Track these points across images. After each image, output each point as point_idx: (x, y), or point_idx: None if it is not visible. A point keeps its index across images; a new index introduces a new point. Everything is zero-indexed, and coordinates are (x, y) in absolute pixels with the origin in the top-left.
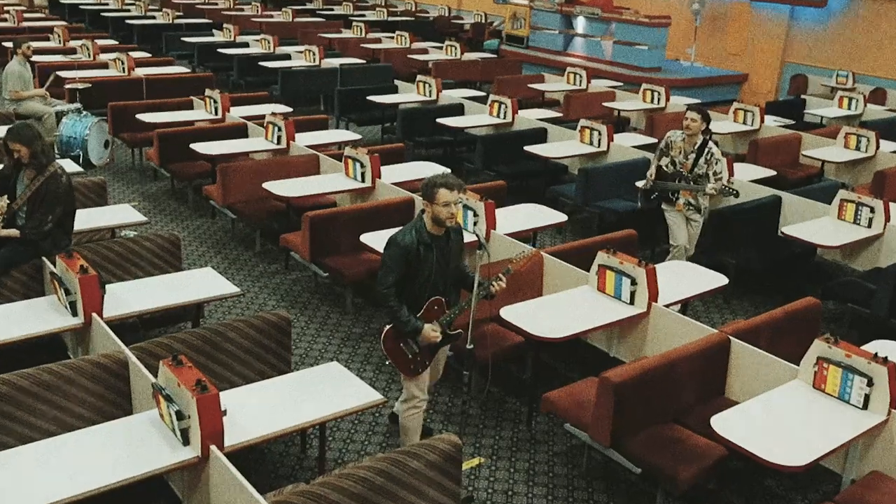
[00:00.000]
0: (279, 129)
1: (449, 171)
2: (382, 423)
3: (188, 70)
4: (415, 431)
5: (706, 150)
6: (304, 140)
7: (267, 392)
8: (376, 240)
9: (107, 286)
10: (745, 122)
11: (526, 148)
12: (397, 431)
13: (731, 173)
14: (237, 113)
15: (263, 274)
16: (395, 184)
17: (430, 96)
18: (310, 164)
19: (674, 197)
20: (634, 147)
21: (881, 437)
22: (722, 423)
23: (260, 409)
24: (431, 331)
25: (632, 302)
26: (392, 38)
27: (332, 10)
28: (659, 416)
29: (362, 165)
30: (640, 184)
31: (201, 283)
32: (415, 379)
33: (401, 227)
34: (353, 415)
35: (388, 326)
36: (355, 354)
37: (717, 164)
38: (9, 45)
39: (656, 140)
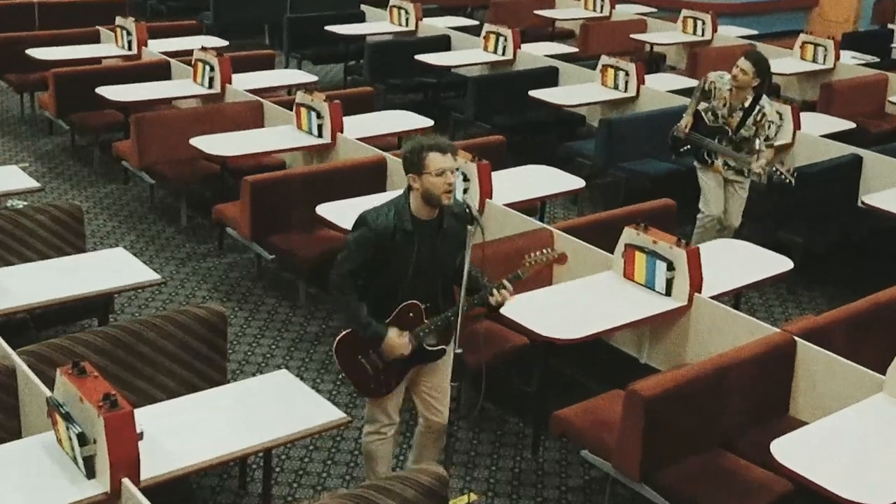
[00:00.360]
0: (211, 69)
1: (431, 122)
2: (345, 450)
3: None
4: (382, 461)
5: (756, 110)
6: (244, 83)
7: (196, 409)
8: (337, 212)
9: None
10: (814, 60)
11: (531, 93)
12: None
13: (797, 126)
14: (157, 48)
15: (191, 256)
16: (362, 139)
17: (406, 26)
18: (251, 114)
19: (710, 158)
20: (671, 92)
21: None
22: (785, 449)
23: (187, 432)
24: (398, 338)
25: (668, 293)
26: None
27: None
28: (703, 441)
29: (319, 116)
30: (680, 125)
31: (110, 267)
32: (377, 402)
33: (377, 205)
34: (306, 439)
35: (342, 333)
36: (310, 361)
37: (769, 127)
38: None
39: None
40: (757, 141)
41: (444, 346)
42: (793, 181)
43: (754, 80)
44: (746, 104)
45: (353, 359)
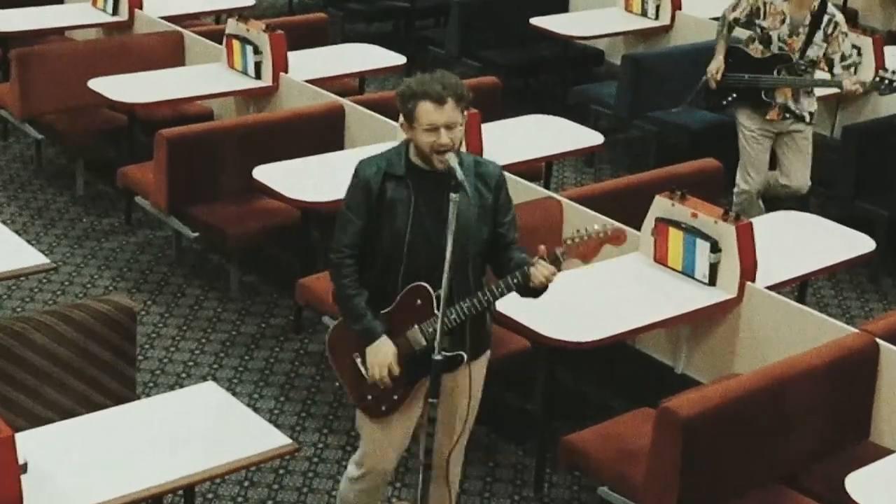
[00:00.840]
0: None
1: (403, 59)
2: (291, 487)
3: None
4: None
5: (826, 20)
6: (159, 8)
7: (97, 433)
8: (280, 177)
9: None
10: None
11: (533, 21)
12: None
13: (880, 64)
14: None
15: (90, 234)
16: (312, 81)
17: None
18: (168, 48)
19: (769, 99)
20: (715, 20)
21: None
22: (864, 484)
23: (84, 462)
24: (386, 347)
25: (712, 282)
26: None
27: None
28: (758, 474)
29: (257, 51)
30: (710, 70)
31: None
32: (376, 422)
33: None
34: (240, 472)
35: (336, 321)
36: (244, 370)
37: (843, 40)
38: None
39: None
40: (833, 60)
41: (461, 352)
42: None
43: None
44: (813, 13)
45: (347, 357)
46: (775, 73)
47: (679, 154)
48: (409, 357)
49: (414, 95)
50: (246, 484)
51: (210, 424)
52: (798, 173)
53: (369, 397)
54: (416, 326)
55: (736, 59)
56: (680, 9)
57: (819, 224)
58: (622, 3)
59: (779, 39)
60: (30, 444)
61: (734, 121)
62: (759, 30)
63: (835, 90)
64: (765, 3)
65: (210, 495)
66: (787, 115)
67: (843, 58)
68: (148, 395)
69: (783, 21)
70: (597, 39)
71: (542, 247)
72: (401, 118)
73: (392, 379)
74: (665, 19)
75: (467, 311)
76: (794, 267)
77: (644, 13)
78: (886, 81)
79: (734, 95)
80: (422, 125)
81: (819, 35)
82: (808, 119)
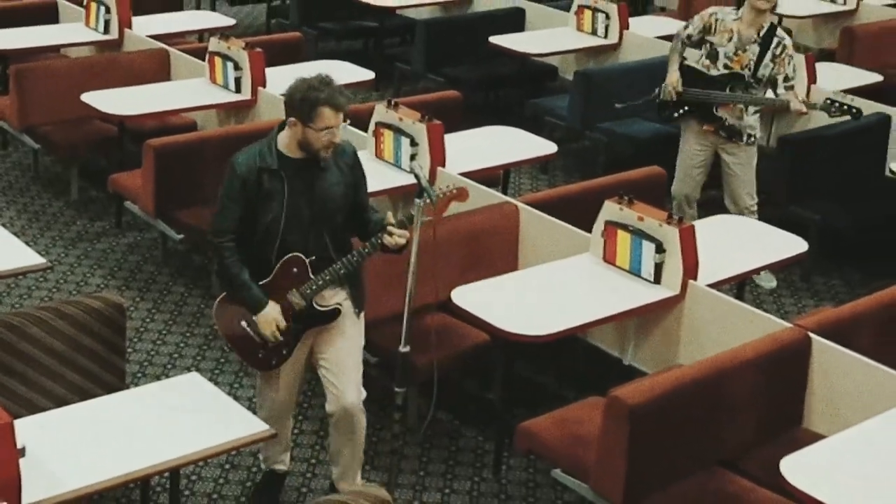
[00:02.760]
0: (107, 11)
1: (372, 75)
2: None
3: None
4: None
5: (774, 39)
6: (147, 27)
7: (89, 420)
8: None
9: None
10: (834, 0)
11: (493, 39)
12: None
13: (811, 80)
14: None
15: (83, 236)
16: None
17: None
18: (155, 64)
19: (719, 115)
20: (660, 38)
21: None
22: (797, 467)
23: (78, 447)
24: (272, 311)
25: (657, 280)
26: None
27: None
28: (700, 459)
29: (237, 67)
30: (667, 85)
31: None
32: (268, 375)
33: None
34: (222, 456)
35: (220, 295)
36: (226, 362)
37: (789, 63)
38: None
39: None
40: (777, 80)
41: (337, 306)
42: (860, 111)
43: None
44: (762, 34)
45: (237, 324)
46: (727, 90)
47: (626, 162)
48: (291, 315)
49: (318, 102)
50: (227, 467)
51: (194, 412)
52: (735, 195)
53: (260, 355)
54: (294, 290)
55: (690, 76)
56: (627, 28)
57: (756, 227)
58: (574, 23)
59: (725, 56)
60: (27, 430)
61: (677, 131)
62: (708, 46)
63: (782, 109)
64: (716, 21)
65: (194, 477)
66: (722, 133)
67: (786, 79)
68: (136, 385)
69: (730, 39)
70: (551, 56)
71: (389, 213)
72: (287, 112)
73: (281, 334)
74: (614, 38)
75: (341, 271)
76: (733, 266)
77: (594, 32)
78: (837, 104)
79: (685, 108)
80: (318, 126)
81: (768, 55)
82: (745, 138)
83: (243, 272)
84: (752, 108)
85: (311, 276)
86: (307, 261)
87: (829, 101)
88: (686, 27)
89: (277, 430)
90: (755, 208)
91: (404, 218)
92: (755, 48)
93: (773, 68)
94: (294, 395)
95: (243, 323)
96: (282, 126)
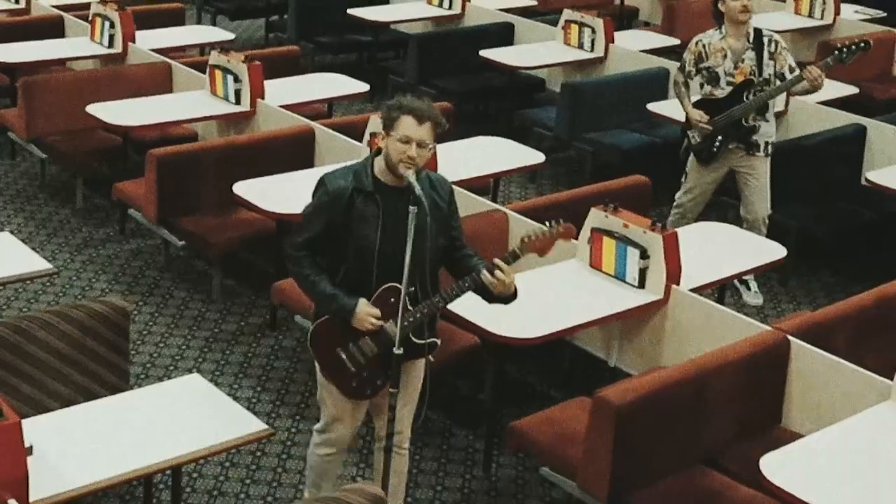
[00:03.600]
0: (111, 26)
1: (367, 87)
2: (266, 467)
3: None
4: (330, 479)
5: (764, 38)
6: (150, 41)
7: (94, 419)
8: (257, 191)
9: None
10: (811, 15)
11: (483, 53)
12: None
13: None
14: (48, 0)
15: (88, 242)
16: (286, 107)
17: None
18: (157, 77)
19: (748, 124)
20: (645, 52)
21: None
22: (776, 465)
23: (83, 446)
24: (368, 307)
25: (641, 285)
26: None
27: None
28: (683, 457)
29: (236, 79)
30: (693, 122)
31: None
32: (349, 405)
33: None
34: (222, 454)
35: (318, 321)
36: (226, 363)
37: (787, 54)
38: None
39: (678, 41)
40: (784, 74)
41: (434, 340)
42: (868, 43)
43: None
44: (751, 40)
45: (331, 351)
46: (745, 98)
47: (612, 171)
48: (387, 348)
49: (401, 108)
50: (227, 465)
51: (195, 412)
52: (753, 206)
53: (354, 384)
54: (391, 321)
55: (710, 108)
56: (612, 42)
57: (737, 233)
58: (561, 37)
59: (726, 74)
60: (35, 429)
61: (663, 141)
62: (705, 72)
63: (801, 82)
64: (704, 47)
65: (195, 475)
66: (742, 145)
67: (791, 69)
68: (140, 386)
69: (724, 56)
70: (539, 69)
71: (497, 259)
72: (378, 127)
73: (373, 368)
74: (599, 51)
75: (439, 304)
76: (714, 272)
77: (581, 46)
78: (845, 50)
79: (720, 139)
80: (398, 135)
81: (766, 55)
82: (763, 148)
83: (325, 280)
84: (769, 114)
85: (410, 308)
86: (406, 294)
87: (837, 52)
88: (681, 68)
89: (334, 462)
90: (767, 220)
91: (508, 256)
92: (751, 54)
93: (775, 65)
94: (355, 429)
95: (339, 352)
96: (373, 154)
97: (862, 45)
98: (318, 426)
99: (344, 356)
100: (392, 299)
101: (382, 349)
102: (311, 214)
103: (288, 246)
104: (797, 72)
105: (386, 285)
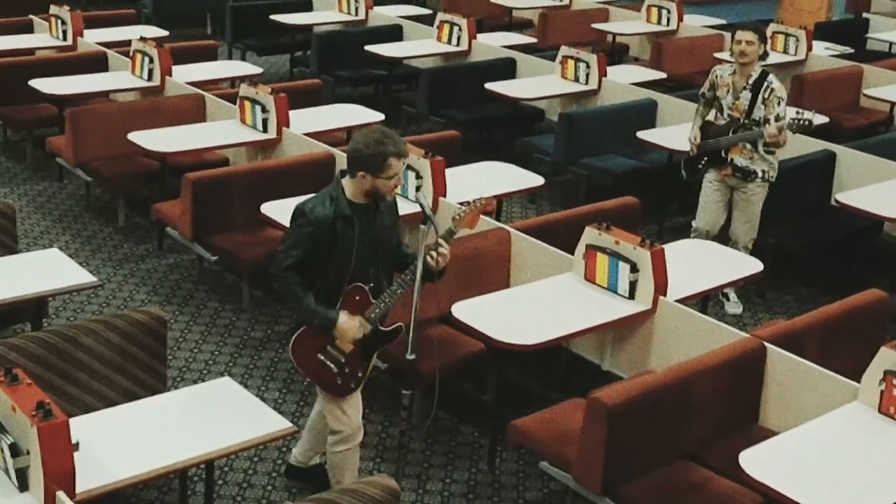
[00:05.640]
0: (150, 61)
1: (382, 116)
2: (284, 470)
3: None
4: (350, 471)
5: (764, 86)
6: (185, 75)
7: (134, 418)
8: (282, 211)
9: None
10: (785, 51)
11: (488, 86)
12: (307, 487)
13: None
14: (93, 38)
15: (129, 257)
16: (309, 135)
17: (356, 15)
18: (192, 107)
19: (726, 156)
20: (635, 84)
21: None
22: (754, 460)
23: (125, 442)
24: (349, 320)
25: (631, 296)
26: None
27: None
28: (669, 453)
29: (264, 110)
30: (690, 140)
31: (44, 269)
32: (344, 401)
33: (310, 195)
34: (251, 450)
35: (295, 334)
36: (254, 367)
37: (778, 103)
38: None
39: (664, 74)
40: (770, 120)
41: (400, 324)
42: (811, 122)
43: (760, 48)
44: (751, 81)
45: (313, 357)
46: (731, 133)
47: (604, 193)
48: (359, 340)
49: (387, 154)
50: (255, 459)
51: (226, 411)
52: (738, 229)
53: (339, 381)
54: (360, 317)
55: (706, 129)
56: (606, 76)
57: (718, 250)
58: (559, 71)
59: (727, 106)
60: (81, 427)
61: (651, 166)
62: (713, 100)
63: (757, 138)
64: (717, 77)
65: (226, 468)
66: (737, 173)
67: (777, 118)
68: (176, 388)
69: (728, 91)
70: (538, 101)
71: (440, 241)
72: (355, 167)
73: (352, 360)
74: (593, 84)
75: (398, 291)
76: (698, 284)
77: (577, 79)
78: (797, 122)
79: (706, 160)
80: (388, 175)
81: (759, 99)
82: (759, 175)
83: (310, 296)
84: (762, 148)
85: (373, 301)
86: (367, 288)
87: (791, 120)
88: (701, 88)
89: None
90: (750, 245)
91: (445, 234)
92: (747, 94)
93: (764, 110)
94: (360, 420)
95: (319, 356)
96: (342, 174)
97: (806, 124)
98: (333, 428)
99: (323, 357)
100: (357, 297)
101: (360, 343)
102: (295, 242)
103: (274, 268)
104: (781, 122)
105: (351, 286)
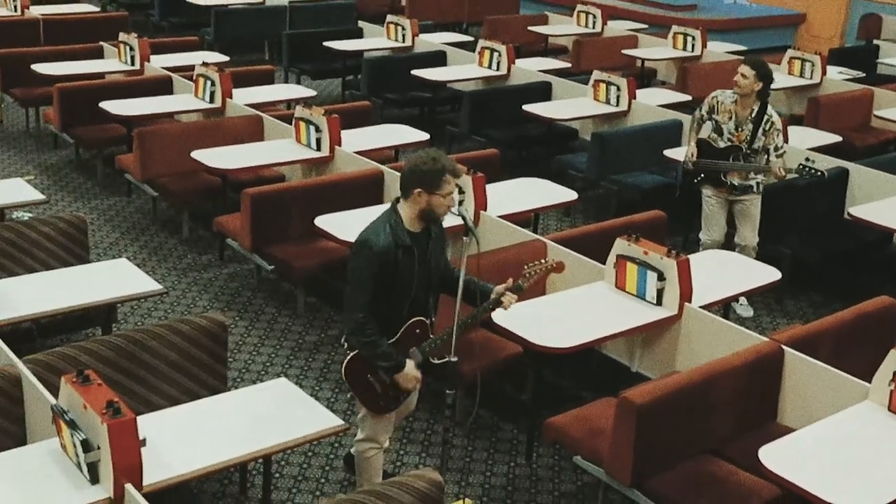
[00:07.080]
0: (212, 84)
1: (427, 136)
2: (343, 457)
3: (97, 9)
4: (377, 471)
5: (765, 119)
6: (244, 97)
7: (197, 416)
8: (335, 224)
9: None
10: (802, 75)
11: (525, 107)
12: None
13: (784, 140)
14: (159, 63)
15: (192, 267)
16: (360, 153)
17: (403, 42)
18: (251, 127)
19: (725, 180)
20: (662, 106)
21: None
22: (773, 455)
23: (188, 438)
24: (414, 371)
25: (659, 302)
26: None
27: None
28: (694, 448)
29: (318, 130)
30: (686, 156)
31: (114, 278)
32: (380, 418)
33: (366, 227)
34: (305, 445)
35: (351, 354)
36: (308, 369)
37: (777, 135)
38: None
39: (690, 97)
40: (769, 150)
41: (448, 359)
42: (824, 174)
43: (756, 84)
44: (754, 114)
45: (363, 378)
46: (731, 159)
47: (634, 207)
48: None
49: (444, 170)
50: (309, 454)
51: (282, 410)
52: (746, 234)
53: (381, 403)
54: (414, 348)
55: (704, 147)
56: (635, 98)
57: (739, 260)
58: (591, 94)
59: (728, 132)
60: (147, 424)
61: (677, 184)
62: (714, 123)
63: (767, 173)
64: (717, 102)
65: (283, 462)
66: (735, 191)
67: (776, 148)
68: (236, 388)
69: (730, 118)
70: (572, 121)
71: (510, 280)
72: (411, 185)
73: (397, 387)
74: (623, 106)
75: (457, 332)
76: (720, 291)
77: (608, 101)
78: (807, 169)
79: (703, 175)
80: (444, 192)
81: (760, 131)
82: (755, 188)
83: (383, 340)
84: (766, 175)
85: (431, 336)
86: (428, 322)
87: (801, 166)
88: (698, 110)
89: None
90: (756, 247)
91: (514, 286)
92: (750, 125)
93: (764, 140)
94: (392, 429)
95: (370, 377)
96: (397, 200)
97: (819, 174)
98: (361, 436)
99: (373, 379)
100: (417, 330)
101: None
102: (365, 279)
103: (349, 311)
104: (781, 151)
105: (413, 320)
